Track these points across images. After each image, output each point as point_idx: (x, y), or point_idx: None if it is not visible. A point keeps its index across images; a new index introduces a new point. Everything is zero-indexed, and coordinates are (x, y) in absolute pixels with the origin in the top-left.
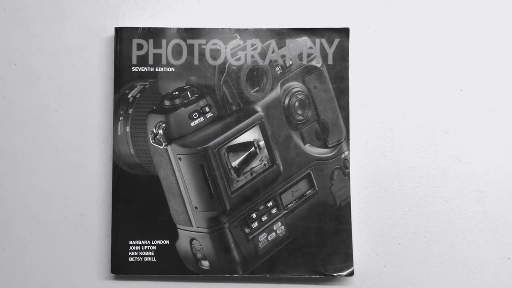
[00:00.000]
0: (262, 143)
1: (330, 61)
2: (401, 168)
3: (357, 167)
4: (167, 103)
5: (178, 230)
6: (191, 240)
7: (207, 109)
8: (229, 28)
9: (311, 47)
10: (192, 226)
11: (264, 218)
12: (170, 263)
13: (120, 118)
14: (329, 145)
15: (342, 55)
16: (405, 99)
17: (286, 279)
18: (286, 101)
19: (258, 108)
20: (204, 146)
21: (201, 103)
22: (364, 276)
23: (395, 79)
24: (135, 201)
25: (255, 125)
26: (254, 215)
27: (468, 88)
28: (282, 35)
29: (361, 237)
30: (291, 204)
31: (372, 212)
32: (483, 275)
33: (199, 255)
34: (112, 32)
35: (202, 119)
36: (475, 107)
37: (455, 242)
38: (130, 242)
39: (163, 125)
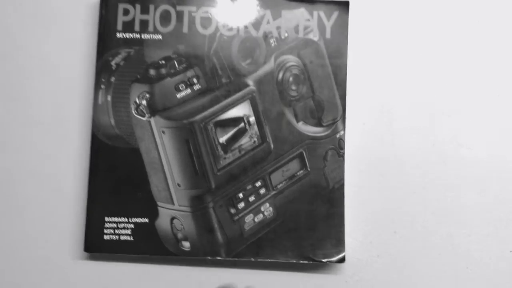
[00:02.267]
0: (252, 119)
1: (328, 35)
2: (399, 153)
3: (352, 149)
4: (152, 72)
5: (159, 208)
6: (172, 219)
7: (195, 80)
8: None
9: (308, 20)
10: (173, 204)
11: (252, 198)
12: (148, 242)
13: (102, 87)
14: (324, 124)
15: (341, 29)
16: (406, 79)
17: (272, 264)
18: (280, 75)
19: (250, 81)
20: (190, 120)
21: (189, 74)
22: (355, 264)
23: (396, 58)
24: (114, 175)
25: (245, 100)
26: (240, 195)
27: (473, 71)
28: (278, 5)
29: (354, 223)
30: (280, 185)
31: (367, 197)
32: (483, 268)
33: (179, 235)
34: None
35: (189, 91)
36: (479, 91)
37: (454, 233)
38: (106, 219)
39: (147, 95)
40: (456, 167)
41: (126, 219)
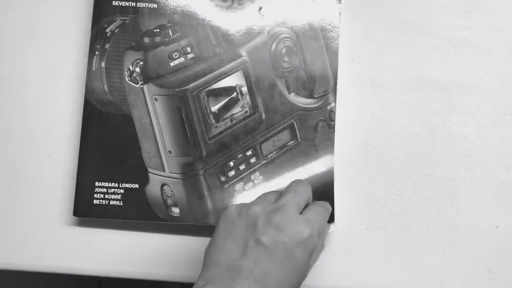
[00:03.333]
0: (244, 89)
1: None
2: (389, 127)
3: (342, 123)
4: (146, 40)
5: (149, 174)
6: (162, 185)
7: (188, 49)
8: None
9: None
10: (164, 171)
11: (242, 167)
12: (137, 208)
13: (96, 53)
14: (315, 96)
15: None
16: (398, 54)
17: None
18: (273, 47)
19: (243, 52)
20: (183, 88)
21: (183, 42)
22: (344, 237)
23: (389, 32)
24: (105, 141)
25: (238, 70)
26: (231, 163)
27: (464, 48)
28: None
29: (343, 196)
30: (271, 154)
31: (356, 170)
32: (470, 243)
33: (169, 201)
34: None
35: (182, 59)
36: (469, 68)
37: (442, 207)
38: (96, 184)
39: (141, 63)
40: (444, 142)
41: (116, 185)
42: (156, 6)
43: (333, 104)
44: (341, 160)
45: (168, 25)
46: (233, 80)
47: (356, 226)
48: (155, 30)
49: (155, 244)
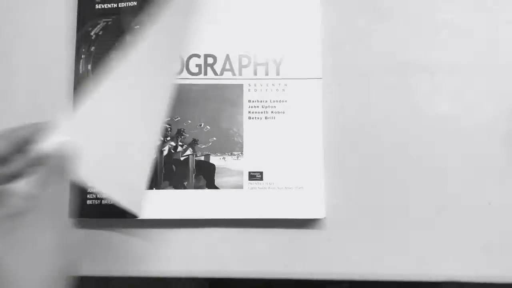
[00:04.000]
0: None
1: None
2: (376, 112)
3: (328, 111)
4: (129, 39)
5: None
6: None
7: None
8: None
9: None
10: None
11: None
12: None
13: (82, 56)
14: None
15: None
16: (381, 40)
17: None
18: None
19: None
20: None
21: None
22: (337, 223)
23: (370, 19)
24: None
25: None
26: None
27: (446, 30)
28: None
29: (335, 182)
30: None
31: (346, 157)
32: (462, 221)
33: None
34: None
35: None
36: (452, 50)
37: (435, 187)
38: None
39: None
40: (433, 123)
41: None
42: (135, 3)
43: None
44: (330, 148)
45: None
46: None
47: (349, 211)
48: (136, 28)
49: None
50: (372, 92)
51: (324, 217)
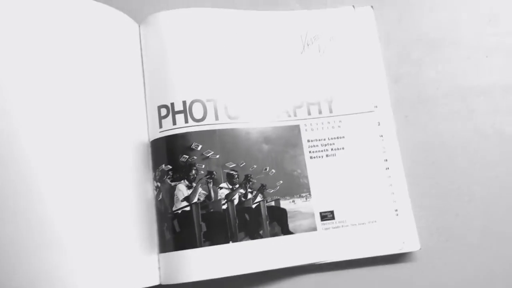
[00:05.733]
0: None
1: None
2: (444, 138)
3: (403, 142)
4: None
5: None
6: None
7: None
8: None
9: None
10: None
11: None
12: None
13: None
14: None
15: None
16: (436, 69)
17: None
18: None
19: None
20: None
21: None
22: (428, 253)
23: (423, 50)
24: None
25: None
26: None
27: (495, 52)
28: None
29: (421, 212)
30: None
31: (424, 185)
32: None
33: None
34: None
35: None
36: (503, 70)
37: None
38: None
39: None
40: (500, 143)
41: None
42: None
43: None
44: (409, 176)
45: None
46: None
47: (438, 239)
48: None
49: None
50: (435, 118)
51: (420, 249)
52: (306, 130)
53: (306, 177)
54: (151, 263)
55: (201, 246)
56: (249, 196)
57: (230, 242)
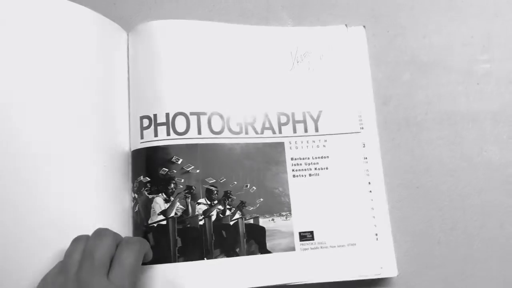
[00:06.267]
0: None
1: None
2: (430, 163)
3: (387, 165)
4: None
5: None
6: None
7: None
8: None
9: None
10: None
11: None
12: None
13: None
14: None
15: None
16: (426, 93)
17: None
18: None
19: None
20: None
21: None
22: (407, 278)
23: (414, 73)
24: None
25: None
26: None
27: (486, 79)
28: None
29: (400, 236)
30: None
31: (406, 210)
32: None
33: None
34: None
35: None
36: (494, 98)
37: (496, 236)
38: None
39: None
40: (485, 172)
41: None
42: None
43: None
44: (392, 200)
45: None
46: None
47: (417, 266)
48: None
49: None
50: (422, 142)
51: (397, 275)
52: (290, 148)
53: (288, 196)
54: None
55: (175, 261)
56: (228, 212)
57: (205, 258)
